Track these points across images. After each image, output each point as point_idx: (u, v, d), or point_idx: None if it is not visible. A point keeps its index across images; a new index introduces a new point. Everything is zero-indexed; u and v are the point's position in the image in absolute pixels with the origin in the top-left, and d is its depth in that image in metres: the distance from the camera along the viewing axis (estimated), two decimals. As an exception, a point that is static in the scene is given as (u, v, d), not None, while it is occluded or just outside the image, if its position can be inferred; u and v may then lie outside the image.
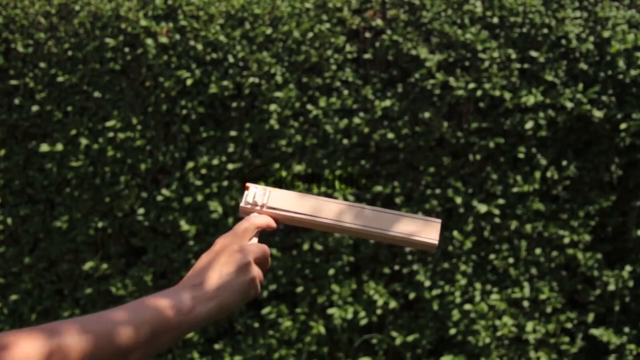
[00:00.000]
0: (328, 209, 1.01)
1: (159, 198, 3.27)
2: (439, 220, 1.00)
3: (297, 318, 3.25)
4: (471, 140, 3.11)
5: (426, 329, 3.19)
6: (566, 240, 3.11)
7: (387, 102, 3.10)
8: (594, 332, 3.13)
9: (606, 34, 3.05)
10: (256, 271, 0.93)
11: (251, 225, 0.97)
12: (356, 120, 3.13)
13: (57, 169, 3.40)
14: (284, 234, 3.30)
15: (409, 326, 3.22)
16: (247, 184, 1.02)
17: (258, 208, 1.00)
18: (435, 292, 3.15)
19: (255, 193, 1.01)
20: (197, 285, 0.89)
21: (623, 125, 3.01)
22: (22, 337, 0.74)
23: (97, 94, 3.32)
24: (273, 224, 1.00)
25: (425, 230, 0.98)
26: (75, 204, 3.40)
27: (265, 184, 3.08)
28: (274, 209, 1.01)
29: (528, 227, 3.13)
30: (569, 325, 3.17)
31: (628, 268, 3.11)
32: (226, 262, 0.91)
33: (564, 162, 3.12)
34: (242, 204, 1.01)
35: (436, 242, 0.98)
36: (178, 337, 0.86)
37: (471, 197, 3.13)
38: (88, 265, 3.40)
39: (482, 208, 3.08)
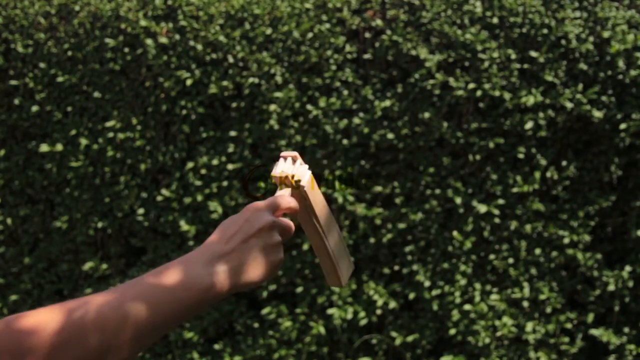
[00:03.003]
0: (332, 232, 0.98)
1: (159, 198, 3.27)
2: (353, 267, 1.06)
3: (297, 318, 3.25)
4: (471, 141, 3.11)
5: (426, 329, 3.19)
6: (566, 241, 3.11)
7: (387, 103, 3.10)
8: (594, 332, 3.13)
9: (606, 34, 3.05)
10: (280, 251, 0.89)
11: (287, 204, 0.92)
12: (356, 120, 3.13)
13: (57, 169, 3.40)
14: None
15: (409, 326, 3.22)
16: (296, 154, 0.94)
17: (293, 183, 0.95)
18: (435, 292, 3.15)
19: (297, 168, 0.95)
20: (225, 256, 0.83)
21: (623, 126, 3.01)
22: (40, 309, 0.73)
23: (97, 94, 3.32)
24: (296, 210, 0.94)
25: (344, 270, 1.03)
26: (75, 204, 3.40)
27: (265, 184, 3.08)
28: (305, 196, 0.95)
29: (528, 228, 3.13)
30: (568, 326, 3.17)
31: (628, 268, 3.11)
32: (259, 237, 0.86)
33: (564, 162, 3.12)
34: (280, 173, 0.95)
35: (343, 285, 1.04)
36: (196, 313, 0.82)
37: (471, 197, 3.13)
38: (88, 265, 3.40)
39: (482, 208, 3.08)
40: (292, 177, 0.94)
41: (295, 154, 0.95)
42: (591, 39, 3.08)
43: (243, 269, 0.85)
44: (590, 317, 3.15)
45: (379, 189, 3.16)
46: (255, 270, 0.86)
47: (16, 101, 3.41)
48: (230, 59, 3.19)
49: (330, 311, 3.16)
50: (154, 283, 0.79)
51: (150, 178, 3.36)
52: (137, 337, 0.76)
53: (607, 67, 3.06)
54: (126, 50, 3.28)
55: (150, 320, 0.77)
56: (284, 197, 0.93)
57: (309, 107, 3.16)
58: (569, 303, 3.26)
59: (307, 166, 0.96)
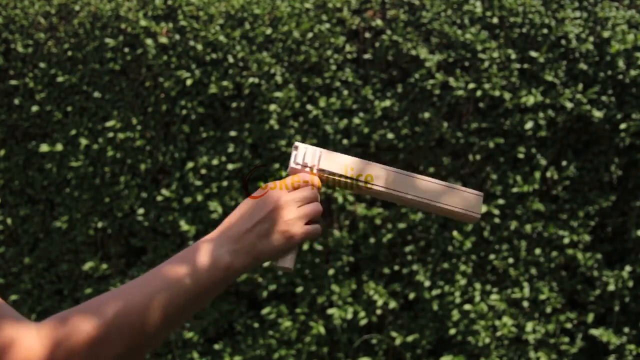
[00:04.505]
0: (379, 176, 1.00)
1: (159, 198, 3.27)
2: (481, 194, 1.03)
3: (297, 318, 3.25)
4: (471, 141, 3.11)
5: (426, 329, 3.19)
6: (566, 241, 3.11)
7: (387, 102, 3.10)
8: (594, 332, 3.13)
9: (606, 34, 3.05)
10: (296, 224, 0.93)
11: (299, 179, 0.97)
12: (356, 120, 3.13)
13: (57, 169, 3.40)
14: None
15: (409, 326, 3.22)
16: (297, 143, 0.99)
17: (308, 169, 0.99)
18: (435, 292, 3.15)
19: (306, 153, 0.99)
20: (236, 237, 0.89)
21: (623, 126, 3.01)
22: (27, 332, 0.73)
23: (97, 94, 3.32)
24: (319, 184, 0.99)
25: (469, 204, 1.02)
26: (75, 204, 3.40)
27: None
28: (324, 171, 0.99)
29: (528, 228, 3.13)
30: (568, 326, 3.17)
31: (628, 268, 3.11)
32: (267, 217, 0.92)
33: (564, 162, 3.12)
34: (291, 165, 0.99)
35: (479, 216, 1.03)
36: (218, 292, 0.87)
37: (471, 197, 3.12)
38: (88, 265, 3.40)
39: (482, 208, 3.07)
40: (297, 164, 0.99)
41: (296, 144, 1.00)
42: (591, 39, 3.08)
43: (261, 244, 0.91)
44: (590, 317, 3.14)
45: (379, 189, 3.16)
46: (264, 249, 0.92)
47: (16, 101, 3.41)
48: (230, 59, 3.19)
49: (330, 311, 3.16)
50: (177, 268, 0.85)
51: (150, 178, 3.36)
52: (165, 322, 0.81)
53: (607, 67, 3.06)
54: (126, 50, 3.28)
55: (176, 302, 0.82)
56: (296, 175, 0.97)
57: (309, 107, 3.16)
58: (569, 303, 3.26)
59: (312, 146, 1.00)
